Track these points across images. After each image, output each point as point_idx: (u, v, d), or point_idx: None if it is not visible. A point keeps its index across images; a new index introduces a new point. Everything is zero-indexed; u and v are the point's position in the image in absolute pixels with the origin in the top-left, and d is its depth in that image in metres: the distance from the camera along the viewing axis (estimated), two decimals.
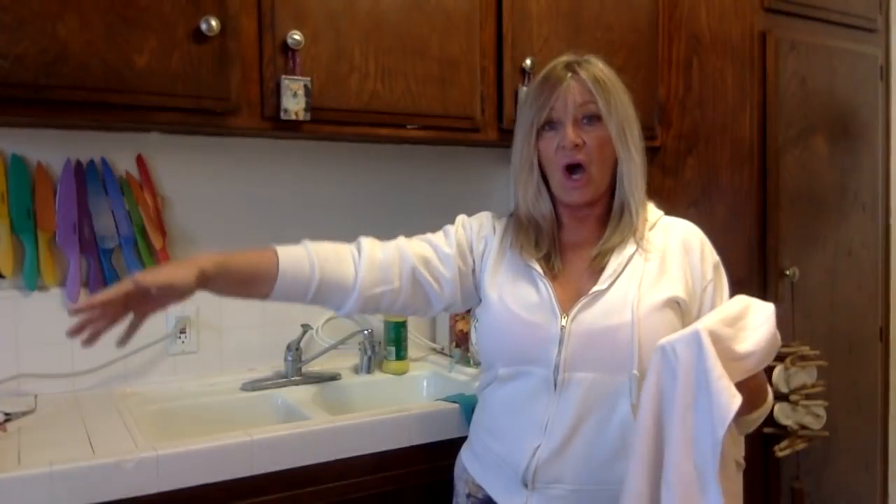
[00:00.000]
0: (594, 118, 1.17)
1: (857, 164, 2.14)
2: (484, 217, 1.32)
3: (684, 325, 1.16)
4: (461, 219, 1.32)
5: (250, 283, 1.14)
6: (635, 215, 1.20)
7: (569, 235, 1.25)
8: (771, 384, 1.87)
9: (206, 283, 1.08)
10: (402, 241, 1.27)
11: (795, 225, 1.97)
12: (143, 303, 1.06)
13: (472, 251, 1.28)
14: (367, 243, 1.24)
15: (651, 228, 1.22)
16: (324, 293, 1.18)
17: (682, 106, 2.05)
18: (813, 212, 2.02)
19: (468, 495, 1.27)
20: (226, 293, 1.15)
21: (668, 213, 1.28)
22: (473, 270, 1.27)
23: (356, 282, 1.19)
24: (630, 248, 1.18)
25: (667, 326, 1.13)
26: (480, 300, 1.27)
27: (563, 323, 1.14)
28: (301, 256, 1.17)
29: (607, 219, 1.23)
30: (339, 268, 1.19)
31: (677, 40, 2.07)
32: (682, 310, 1.16)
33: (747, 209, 1.91)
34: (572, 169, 1.18)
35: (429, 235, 1.30)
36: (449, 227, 1.31)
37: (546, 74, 1.21)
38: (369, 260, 1.21)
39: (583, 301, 1.15)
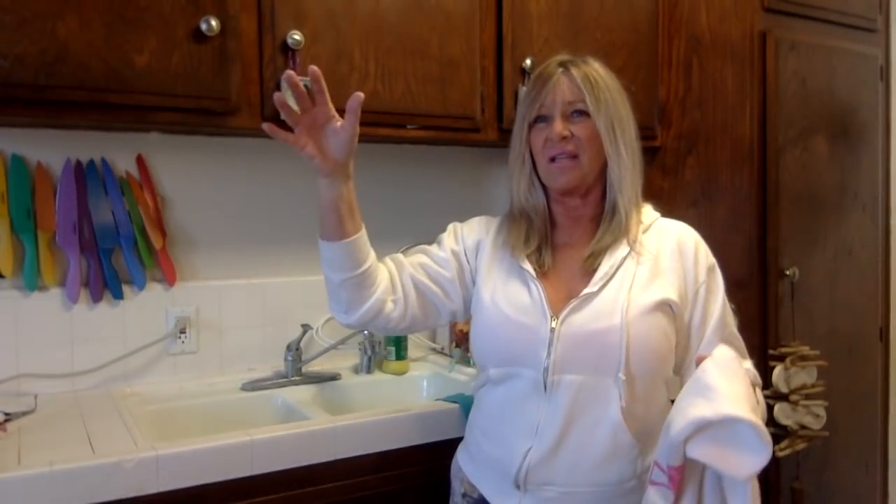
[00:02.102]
0: (583, 113, 1.18)
1: (856, 164, 2.13)
2: (476, 221, 1.34)
3: (676, 328, 1.17)
4: (453, 226, 1.34)
5: (346, 217, 1.16)
6: (625, 216, 1.19)
7: (562, 236, 1.25)
8: (771, 384, 1.89)
9: (345, 171, 1.15)
10: (397, 255, 1.30)
11: (795, 225, 1.96)
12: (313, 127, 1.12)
13: (466, 254, 1.29)
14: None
15: (646, 231, 1.22)
16: (367, 279, 1.20)
17: (682, 106, 2.05)
18: (813, 212, 2.02)
19: (464, 494, 1.27)
20: (329, 203, 1.16)
21: (667, 213, 1.27)
22: (471, 271, 1.28)
23: (378, 286, 1.22)
24: (623, 249, 1.18)
25: (656, 330, 1.14)
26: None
27: (553, 325, 1.14)
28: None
29: (601, 221, 1.23)
30: (379, 269, 1.23)
31: (677, 41, 2.06)
32: (674, 313, 1.16)
33: (747, 209, 1.90)
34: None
35: (423, 246, 1.32)
36: (441, 235, 1.33)
37: (540, 71, 1.23)
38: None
39: (573, 303, 1.15)
